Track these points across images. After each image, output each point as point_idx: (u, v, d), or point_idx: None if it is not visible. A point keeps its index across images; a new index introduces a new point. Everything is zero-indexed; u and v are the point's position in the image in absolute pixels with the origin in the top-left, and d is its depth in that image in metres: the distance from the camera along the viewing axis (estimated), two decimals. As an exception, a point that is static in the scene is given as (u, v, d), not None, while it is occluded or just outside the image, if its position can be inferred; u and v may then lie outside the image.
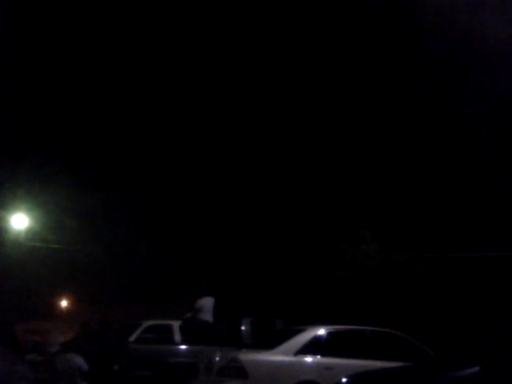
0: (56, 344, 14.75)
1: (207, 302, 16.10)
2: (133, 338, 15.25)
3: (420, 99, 33.23)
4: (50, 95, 36.53)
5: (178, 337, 15.80)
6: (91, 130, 36.80)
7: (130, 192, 36.11)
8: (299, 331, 11.53)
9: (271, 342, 11.63)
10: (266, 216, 40.53)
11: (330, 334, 11.52)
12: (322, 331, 11.50)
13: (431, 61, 32.25)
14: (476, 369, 7.43)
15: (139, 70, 38.62)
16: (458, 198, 29.46)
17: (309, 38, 36.92)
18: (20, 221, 26.00)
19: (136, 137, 37.21)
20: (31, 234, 27.81)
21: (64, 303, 37.18)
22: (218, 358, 11.23)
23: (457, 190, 29.52)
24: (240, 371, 10.41)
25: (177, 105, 38.56)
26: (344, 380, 8.96)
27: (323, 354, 11.00)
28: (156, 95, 39.18)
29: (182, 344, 15.54)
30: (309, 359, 10.88)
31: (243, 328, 20.86)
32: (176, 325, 16.00)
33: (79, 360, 11.72)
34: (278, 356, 10.83)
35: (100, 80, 37.36)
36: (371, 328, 12.15)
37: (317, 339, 11.28)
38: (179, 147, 38.49)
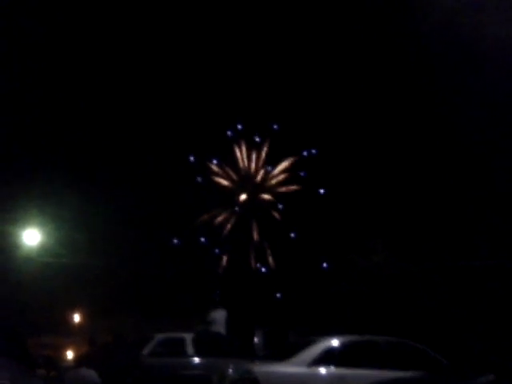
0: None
1: (219, 315, 16.15)
2: (146, 351, 15.20)
3: (434, 106, 33.09)
4: (58, 110, 36.57)
5: (191, 349, 15.74)
6: (102, 145, 36.93)
7: (141, 205, 36.34)
8: (312, 342, 11.48)
9: (284, 353, 11.58)
10: (275, 227, 40.30)
11: (343, 344, 11.44)
12: (335, 342, 11.44)
13: (437, 64, 32.21)
14: (491, 377, 7.38)
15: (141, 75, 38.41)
16: (470, 206, 29.38)
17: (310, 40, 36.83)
18: (32, 236, 26.02)
19: (147, 149, 37.09)
20: (43, 250, 27.87)
21: (77, 317, 37.13)
22: (231, 370, 11.21)
23: (469, 198, 29.45)
24: (253, 383, 10.37)
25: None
26: (358, 391, 8.90)
27: (337, 365, 10.92)
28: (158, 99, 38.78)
29: (196, 356, 15.48)
30: (322, 370, 10.81)
31: (256, 340, 20.82)
32: (189, 337, 15.95)
33: (91, 374, 11.70)
34: (291, 367, 10.77)
35: (105, 88, 37.33)
36: (385, 338, 12.05)
37: (330, 350, 11.21)
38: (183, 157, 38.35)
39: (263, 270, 39.13)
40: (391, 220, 30.87)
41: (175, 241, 38.11)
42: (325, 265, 33.82)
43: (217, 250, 39.55)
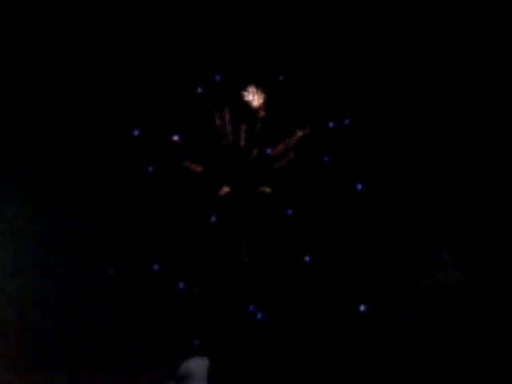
0: None
1: (198, 366, 16.10)
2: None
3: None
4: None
5: (154, 420, 15.29)
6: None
7: (72, 207, 35.05)
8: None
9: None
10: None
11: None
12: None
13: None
14: None
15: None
16: None
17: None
18: None
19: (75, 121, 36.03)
20: None
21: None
22: None
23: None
24: None
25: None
26: None
27: None
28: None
29: (161, 431, 15.09)
30: None
31: (252, 404, 20.36)
32: (151, 401, 15.37)
33: None
34: None
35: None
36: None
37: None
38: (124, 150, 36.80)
39: (259, 316, 35.39)
40: (462, 225, 30.83)
41: (111, 270, 34.87)
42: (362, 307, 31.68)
43: (181, 284, 35.87)
